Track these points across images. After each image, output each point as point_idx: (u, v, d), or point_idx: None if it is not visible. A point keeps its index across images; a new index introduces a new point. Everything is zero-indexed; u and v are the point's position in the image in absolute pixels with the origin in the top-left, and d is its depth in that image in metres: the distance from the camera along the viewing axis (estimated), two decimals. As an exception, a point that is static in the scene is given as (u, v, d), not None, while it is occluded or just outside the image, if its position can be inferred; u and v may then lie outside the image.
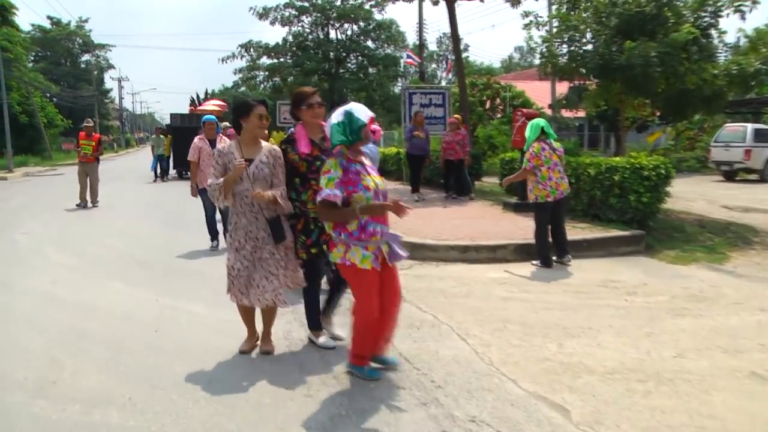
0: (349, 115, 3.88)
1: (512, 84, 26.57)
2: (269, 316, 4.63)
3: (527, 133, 7.75)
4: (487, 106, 25.27)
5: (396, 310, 4.15)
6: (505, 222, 9.90)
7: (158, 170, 22.63)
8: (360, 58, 35.30)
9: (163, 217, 12.22)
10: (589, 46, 11.82)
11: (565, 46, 12.27)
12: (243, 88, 37.19)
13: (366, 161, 4.04)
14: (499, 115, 25.00)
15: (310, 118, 4.37)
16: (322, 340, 4.71)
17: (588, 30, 11.82)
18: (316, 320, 4.75)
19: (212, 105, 27.79)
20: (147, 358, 4.55)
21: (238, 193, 4.33)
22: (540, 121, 7.72)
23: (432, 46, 69.69)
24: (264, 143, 4.43)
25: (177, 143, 22.72)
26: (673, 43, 10.51)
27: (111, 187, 18.71)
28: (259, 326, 4.74)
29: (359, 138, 3.89)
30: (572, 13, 12.21)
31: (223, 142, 4.55)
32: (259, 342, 4.69)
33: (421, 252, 7.96)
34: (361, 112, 3.91)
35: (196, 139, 8.65)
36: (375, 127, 7.50)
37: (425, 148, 13.37)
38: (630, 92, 11.82)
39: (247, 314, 4.63)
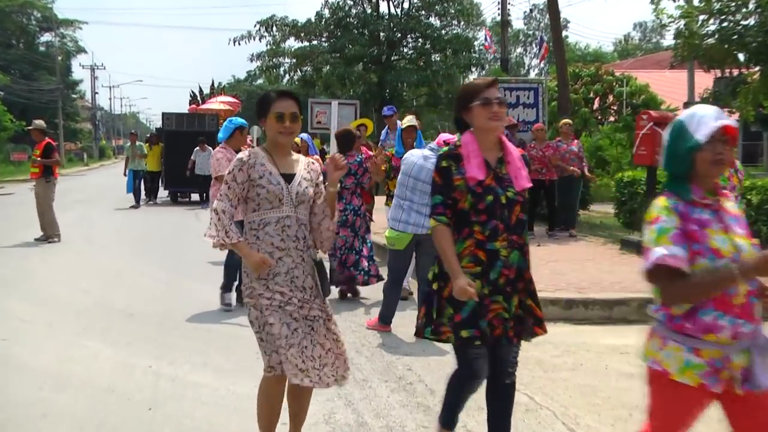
0: (677, 127, 3.28)
1: (631, 74, 26.43)
2: (301, 406, 4.41)
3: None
4: (596, 105, 25.16)
5: None
6: (624, 267, 9.81)
7: (139, 191, 22.46)
8: (420, 40, 35.70)
9: (155, 254, 12.56)
10: (751, 20, 11.66)
11: (712, 21, 12.17)
12: (261, 80, 37.94)
13: (730, 206, 3.31)
14: (612, 119, 24.86)
15: (486, 122, 4.04)
16: None
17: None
18: (448, 417, 4.51)
19: (219, 103, 28.45)
20: (138, 444, 4.66)
21: (276, 221, 4.17)
22: None
23: (517, 24, 70.08)
24: (296, 155, 4.44)
25: (171, 154, 23.08)
26: None
27: (81, 213, 19.30)
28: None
29: (682, 170, 3.25)
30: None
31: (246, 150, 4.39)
32: None
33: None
34: (701, 122, 3.20)
35: (218, 150, 8.41)
36: (450, 137, 7.58)
37: None
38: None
39: (275, 403, 4.38)
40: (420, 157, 7.27)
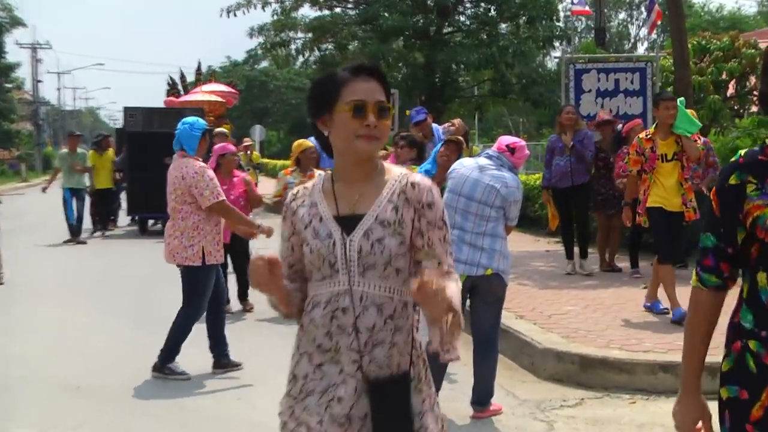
0: None
1: (783, 47, 26.26)
2: None
3: None
4: (731, 90, 24.99)
5: None
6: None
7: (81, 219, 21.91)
8: (483, 4, 35.50)
9: (114, 305, 12.60)
10: None
11: None
12: (265, 63, 38.00)
13: None
14: (754, 109, 24.67)
15: None
16: None
17: None
18: None
19: (206, 93, 28.59)
20: None
21: (327, 301, 3.33)
22: None
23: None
24: (390, 166, 3.55)
25: (137, 164, 22.42)
26: None
27: (15, 248, 19.44)
28: None
29: None
30: None
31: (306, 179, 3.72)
32: None
33: (598, 374, 8.00)
34: None
35: (201, 166, 8.71)
36: (514, 140, 7.58)
37: (582, 174, 13.28)
38: None
39: None
40: (473, 169, 7.19)
